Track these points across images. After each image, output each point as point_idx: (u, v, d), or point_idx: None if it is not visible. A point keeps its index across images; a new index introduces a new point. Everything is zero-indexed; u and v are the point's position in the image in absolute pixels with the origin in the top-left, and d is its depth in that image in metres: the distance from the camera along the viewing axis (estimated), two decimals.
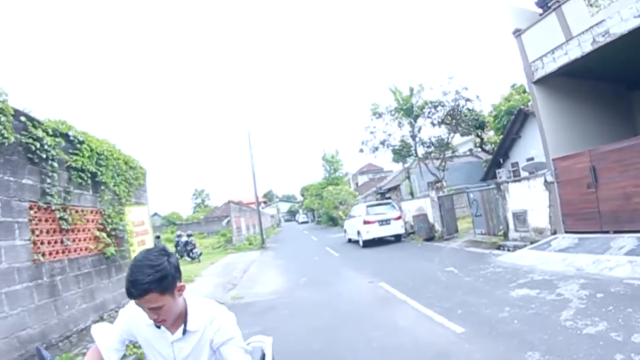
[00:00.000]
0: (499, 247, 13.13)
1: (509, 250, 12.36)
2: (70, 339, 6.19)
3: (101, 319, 7.06)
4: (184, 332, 1.99)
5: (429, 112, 24.19)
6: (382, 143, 26.62)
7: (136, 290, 1.74)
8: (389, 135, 26.55)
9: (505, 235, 13.98)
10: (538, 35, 11.77)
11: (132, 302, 1.91)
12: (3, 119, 5.17)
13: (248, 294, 11.21)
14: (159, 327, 1.99)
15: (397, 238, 20.44)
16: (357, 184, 62.30)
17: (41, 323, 5.64)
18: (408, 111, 25.19)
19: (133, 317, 2.09)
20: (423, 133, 25.61)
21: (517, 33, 12.35)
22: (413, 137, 25.70)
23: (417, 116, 24.94)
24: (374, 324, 6.92)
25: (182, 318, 1.99)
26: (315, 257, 19.39)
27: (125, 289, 1.81)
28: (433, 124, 24.35)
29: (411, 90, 25.48)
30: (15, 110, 5.49)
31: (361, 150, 27.48)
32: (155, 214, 64.93)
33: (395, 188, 36.76)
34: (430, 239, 18.77)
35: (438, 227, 19.18)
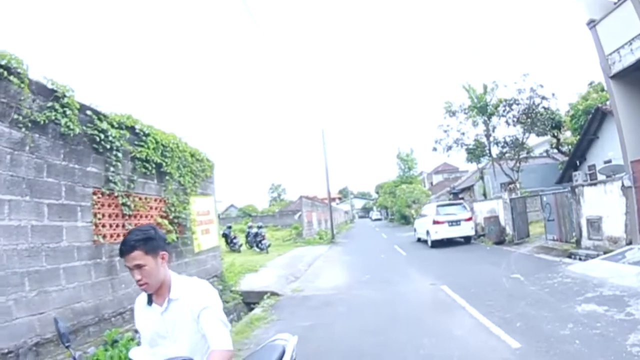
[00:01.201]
0: (570, 255, 12.38)
1: (580, 259, 11.62)
2: (124, 315, 6.75)
3: None
4: (168, 301, 2.24)
5: (503, 111, 23.58)
6: (456, 142, 26.27)
7: (125, 246, 2.14)
8: (463, 134, 26.27)
9: (578, 242, 13.09)
10: (614, 26, 10.91)
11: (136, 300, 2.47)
12: (69, 112, 5.74)
13: (308, 288, 11.44)
14: (150, 303, 2.30)
15: (467, 240, 19.93)
16: (431, 183, 61.16)
17: (96, 298, 6.21)
18: (482, 109, 24.56)
19: (136, 310, 2.46)
20: (497, 132, 25.08)
21: (592, 24, 11.52)
22: (487, 136, 25.04)
23: (492, 115, 24.33)
24: (428, 329, 6.77)
25: (167, 290, 2.27)
26: (382, 254, 19.42)
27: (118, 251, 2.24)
28: (508, 123, 23.83)
29: (485, 88, 24.82)
30: (81, 105, 6.08)
31: (434, 149, 27.16)
32: (232, 205, 68.98)
33: (469, 188, 35.98)
34: (500, 242, 18.16)
35: (509, 230, 18.48)
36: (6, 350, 4.51)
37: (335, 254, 21.29)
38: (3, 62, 4.62)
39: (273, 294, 10.32)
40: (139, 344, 6.58)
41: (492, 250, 16.45)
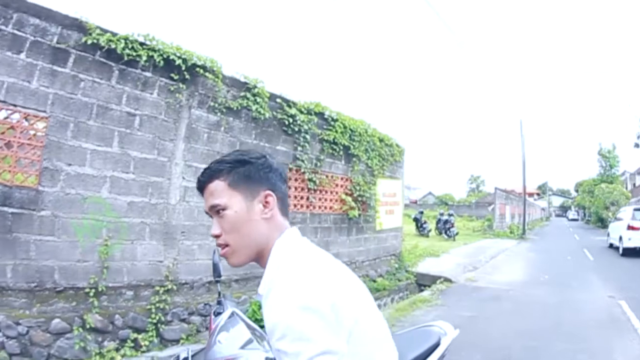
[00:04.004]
0: None
1: None
2: None
3: None
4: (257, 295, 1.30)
5: None
6: None
7: (204, 174, 1.34)
8: None
9: None
10: None
11: None
12: (259, 100, 7.05)
13: (482, 279, 11.25)
14: None
15: None
16: (634, 184, 49.93)
17: None
18: None
19: None
20: None
21: None
22: None
23: None
24: (587, 345, 6.19)
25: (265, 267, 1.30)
26: (568, 256, 17.80)
27: None
28: None
29: None
30: (271, 94, 7.35)
31: (636, 145, 22.57)
32: (430, 193, 70.00)
33: None
34: None
35: None
36: (183, 281, 6.04)
37: (521, 250, 20.13)
38: (200, 63, 6.09)
39: (446, 279, 10.47)
40: None
41: None
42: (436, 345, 2.43)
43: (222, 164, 1.34)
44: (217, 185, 1.32)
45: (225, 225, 1.31)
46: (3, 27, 4.59)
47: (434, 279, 10.56)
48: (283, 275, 1.18)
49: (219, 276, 2.63)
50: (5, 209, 4.61)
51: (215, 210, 1.32)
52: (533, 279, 11.67)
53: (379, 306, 8.93)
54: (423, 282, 10.90)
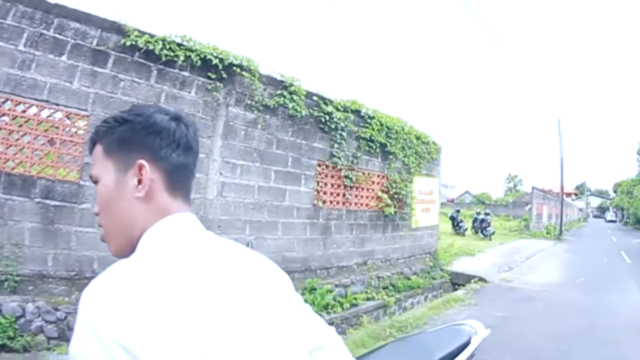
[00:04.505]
0: None
1: None
2: (329, 270, 7.94)
3: (365, 264, 8.73)
4: None
5: None
6: None
7: (91, 137, 1.02)
8: None
9: None
10: None
11: None
12: (296, 98, 7.09)
13: (517, 280, 10.95)
14: None
15: None
16: None
17: (306, 252, 7.49)
18: None
19: None
20: None
21: None
22: None
23: None
24: (620, 351, 5.94)
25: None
26: (604, 258, 17.18)
27: None
28: None
29: None
30: (308, 92, 7.39)
31: None
32: (467, 192, 69.10)
33: None
34: None
35: None
36: None
37: (557, 251, 19.47)
38: (236, 62, 6.19)
39: (481, 279, 10.24)
40: (334, 297, 7.66)
41: None
42: (466, 344, 2.35)
43: (103, 123, 1.00)
44: (96, 151, 1.00)
45: (98, 202, 0.99)
46: (45, 32, 4.81)
47: (468, 278, 10.36)
48: (94, 284, 0.81)
49: None
50: (48, 201, 4.86)
51: (94, 182, 1.00)
52: (568, 281, 11.30)
53: (412, 304, 8.93)
54: (457, 281, 10.71)
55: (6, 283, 4.62)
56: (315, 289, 7.11)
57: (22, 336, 4.45)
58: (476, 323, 2.60)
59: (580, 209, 74.77)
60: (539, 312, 7.92)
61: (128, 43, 5.25)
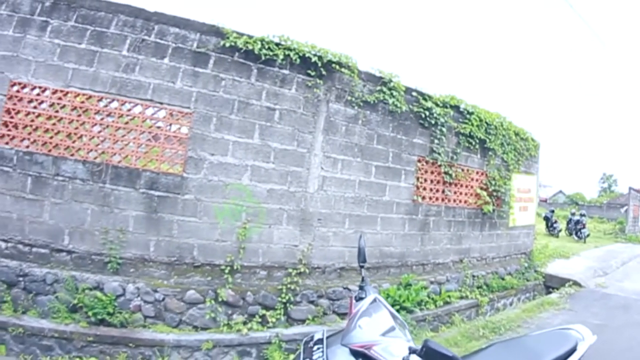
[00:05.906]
0: None
1: None
2: (425, 266, 7.38)
3: (460, 261, 7.90)
4: None
5: None
6: None
7: None
8: None
9: None
10: None
11: None
12: (395, 93, 6.63)
13: (613, 286, 9.65)
14: None
15: None
16: None
17: (403, 247, 7.06)
18: None
19: None
20: None
21: None
22: None
23: None
24: None
25: None
26: None
27: None
28: None
29: None
30: (407, 87, 6.95)
31: None
32: (560, 191, 61.65)
33: None
34: None
35: None
36: (316, 266, 5.81)
37: None
38: (335, 59, 5.95)
39: (575, 283, 9.11)
40: (428, 294, 6.89)
41: None
42: (573, 350, 2.25)
43: None
44: None
45: None
46: (146, 37, 4.99)
47: (562, 282, 9.23)
48: None
49: (364, 261, 2.48)
50: (152, 192, 5.00)
51: None
52: None
53: (505, 305, 8.02)
54: (551, 283, 9.61)
55: (109, 265, 4.79)
56: (410, 285, 6.67)
57: (120, 313, 4.61)
58: (583, 328, 2.55)
59: None
60: (636, 322, 6.93)
61: (227, 44, 5.30)
